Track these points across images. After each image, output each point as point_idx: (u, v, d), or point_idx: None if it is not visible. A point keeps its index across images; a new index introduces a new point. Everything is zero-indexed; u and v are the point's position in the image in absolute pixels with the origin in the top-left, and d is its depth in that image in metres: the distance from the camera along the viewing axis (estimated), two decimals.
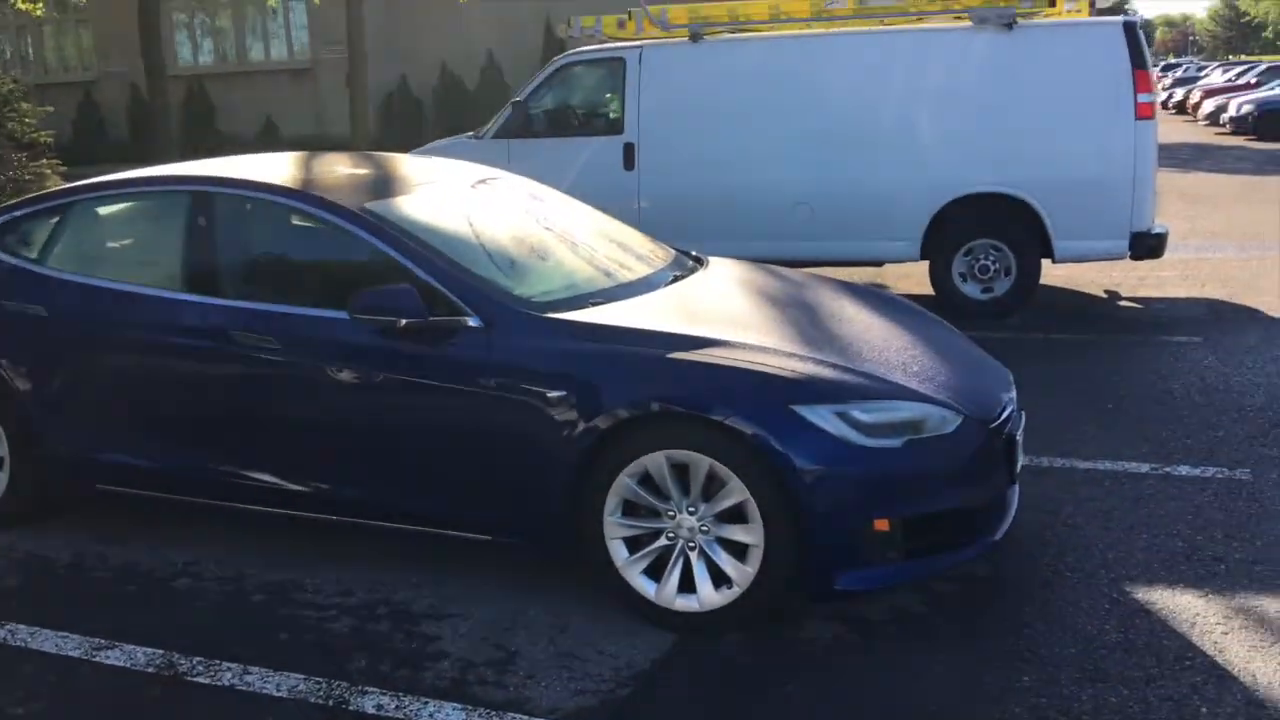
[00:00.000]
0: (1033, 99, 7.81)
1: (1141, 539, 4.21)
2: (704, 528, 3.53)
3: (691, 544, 3.56)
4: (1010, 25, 7.82)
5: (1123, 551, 4.11)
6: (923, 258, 8.25)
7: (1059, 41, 7.96)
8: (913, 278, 9.34)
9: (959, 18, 8.32)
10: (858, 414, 3.45)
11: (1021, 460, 3.94)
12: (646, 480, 3.56)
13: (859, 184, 8.18)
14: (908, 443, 3.48)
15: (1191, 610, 3.64)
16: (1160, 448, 5.21)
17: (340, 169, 4.90)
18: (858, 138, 8.18)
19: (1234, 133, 25.41)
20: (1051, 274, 8.38)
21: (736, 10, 8.75)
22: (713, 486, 3.50)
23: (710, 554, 3.54)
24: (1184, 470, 4.92)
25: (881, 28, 8.61)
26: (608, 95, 9.00)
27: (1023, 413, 4.06)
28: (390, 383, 3.83)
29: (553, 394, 3.60)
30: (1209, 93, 31.08)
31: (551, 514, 3.69)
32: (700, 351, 3.59)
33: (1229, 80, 34.50)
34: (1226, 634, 3.48)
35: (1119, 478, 4.85)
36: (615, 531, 3.62)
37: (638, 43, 8.83)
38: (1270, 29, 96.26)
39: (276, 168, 4.67)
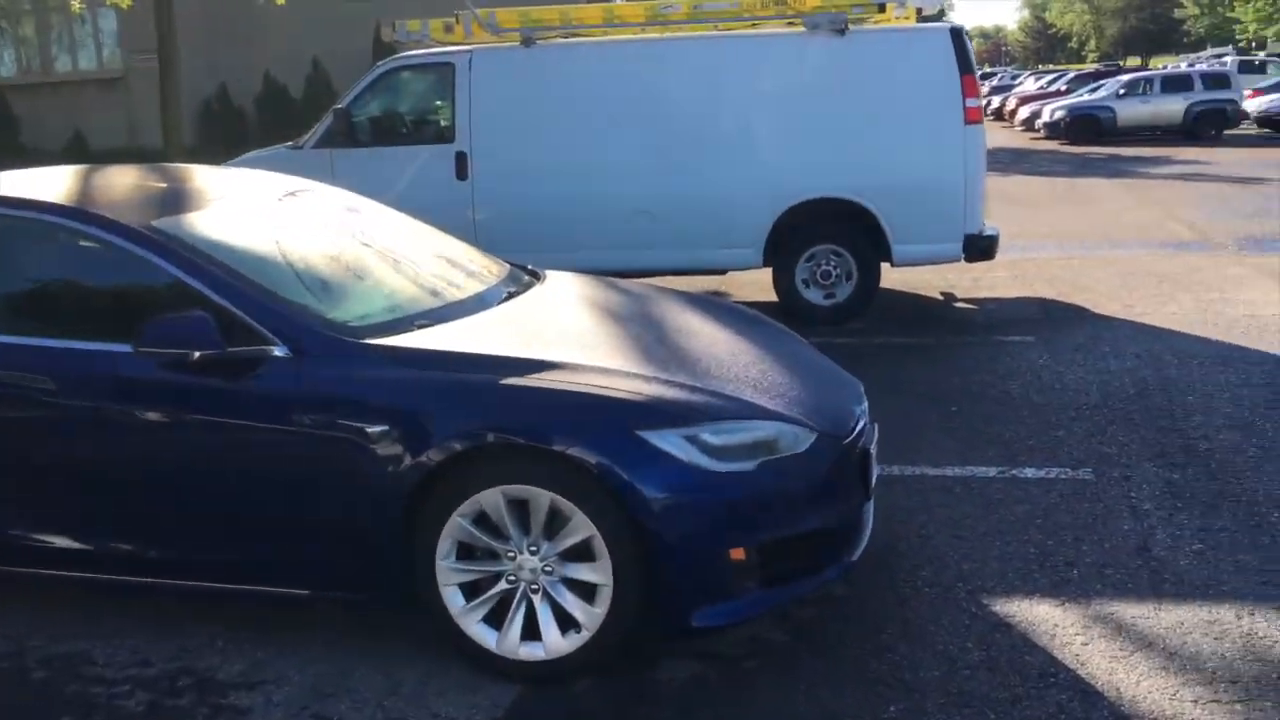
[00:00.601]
0: (867, 104, 7.83)
1: (995, 547, 4.14)
2: (547, 568, 3.24)
3: (534, 586, 3.26)
4: (843, 31, 7.81)
5: (977, 562, 4.02)
6: (765, 265, 8.17)
7: (890, 47, 8.02)
8: (756, 285, 9.28)
9: (793, 23, 8.29)
10: (708, 437, 3.22)
11: (875, 474, 3.79)
12: (482, 519, 3.24)
13: (699, 191, 8.03)
14: (761, 465, 3.27)
15: (1050, 621, 3.56)
16: (1005, 450, 5.20)
17: (129, 183, 4.39)
18: (696, 144, 8.04)
19: (1048, 137, 26.76)
20: (890, 277, 8.43)
21: (569, 14, 8.49)
22: (556, 523, 3.21)
23: (555, 596, 3.25)
24: (1030, 473, 4.90)
25: (716, 33, 8.50)
26: (437, 102, 8.60)
27: (875, 425, 3.92)
28: (186, 423, 3.39)
29: (374, 429, 3.24)
30: (1024, 100, 32.71)
31: (377, 562, 3.33)
32: (537, 376, 3.30)
33: (1041, 88, 36.44)
34: (1087, 645, 3.40)
35: (968, 483, 4.80)
36: (449, 577, 3.29)
37: (467, 47, 8.46)
38: (1074, 39, 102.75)
39: (54, 182, 4.14)
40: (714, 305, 4.73)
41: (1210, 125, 24.69)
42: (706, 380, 3.50)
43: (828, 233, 8.09)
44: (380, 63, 8.68)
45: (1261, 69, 34.49)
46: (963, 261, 8.09)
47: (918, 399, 6.07)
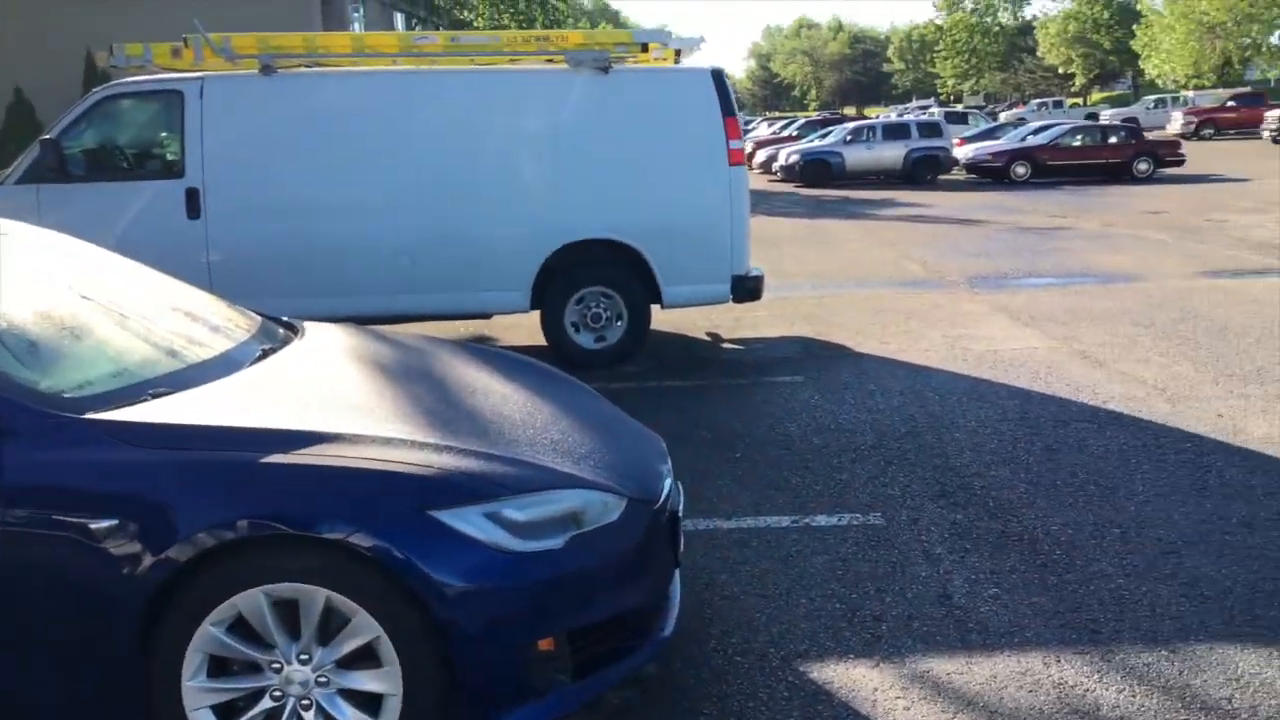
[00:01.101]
0: (632, 144, 7.70)
1: (801, 604, 3.97)
2: (322, 679, 2.74)
3: (306, 702, 2.75)
4: (606, 69, 7.65)
5: (786, 623, 3.82)
6: (533, 308, 7.86)
7: (653, 87, 7.94)
8: (522, 329, 8.94)
9: (554, 60, 8.06)
10: (511, 512, 2.84)
11: (683, 539, 3.52)
12: (241, 626, 2.71)
13: (463, 232, 7.63)
14: (571, 540, 2.91)
15: (869, 685, 3.39)
16: (795, 498, 5.10)
17: None
18: (458, 183, 7.63)
19: (784, 180, 28.07)
20: (656, 318, 8.31)
21: (314, 41, 7.90)
22: (332, 625, 2.73)
23: (332, 713, 2.75)
24: (822, 520, 4.80)
25: (476, 67, 8.14)
26: (164, 133, 7.75)
27: (679, 484, 3.66)
28: None
29: (101, 524, 2.64)
30: (760, 144, 34.24)
31: (108, 686, 2.72)
32: (304, 451, 2.80)
33: (774, 133, 38.35)
34: (910, 709, 3.25)
35: (764, 536, 4.63)
36: (199, 699, 2.72)
37: (198, 74, 7.67)
38: (798, 89, 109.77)
39: None
40: (499, 357, 4.34)
41: (927, 170, 26.70)
42: (503, 445, 3.12)
43: (597, 275, 7.88)
44: (96, 89, 7.73)
45: (964, 119, 37.85)
46: (731, 302, 8.09)
47: (701, 445, 5.90)
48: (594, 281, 7.87)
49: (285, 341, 3.78)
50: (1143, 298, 9.92)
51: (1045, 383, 7.02)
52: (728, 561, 4.36)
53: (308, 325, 4.08)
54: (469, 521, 2.76)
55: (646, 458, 3.55)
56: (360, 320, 7.65)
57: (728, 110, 7.74)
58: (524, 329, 8.91)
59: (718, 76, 7.79)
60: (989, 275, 11.72)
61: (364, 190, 7.57)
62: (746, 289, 7.99)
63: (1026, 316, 9.28)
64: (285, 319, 4.12)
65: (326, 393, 3.38)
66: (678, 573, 3.47)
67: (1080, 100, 71.01)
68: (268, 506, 2.72)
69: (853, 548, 4.48)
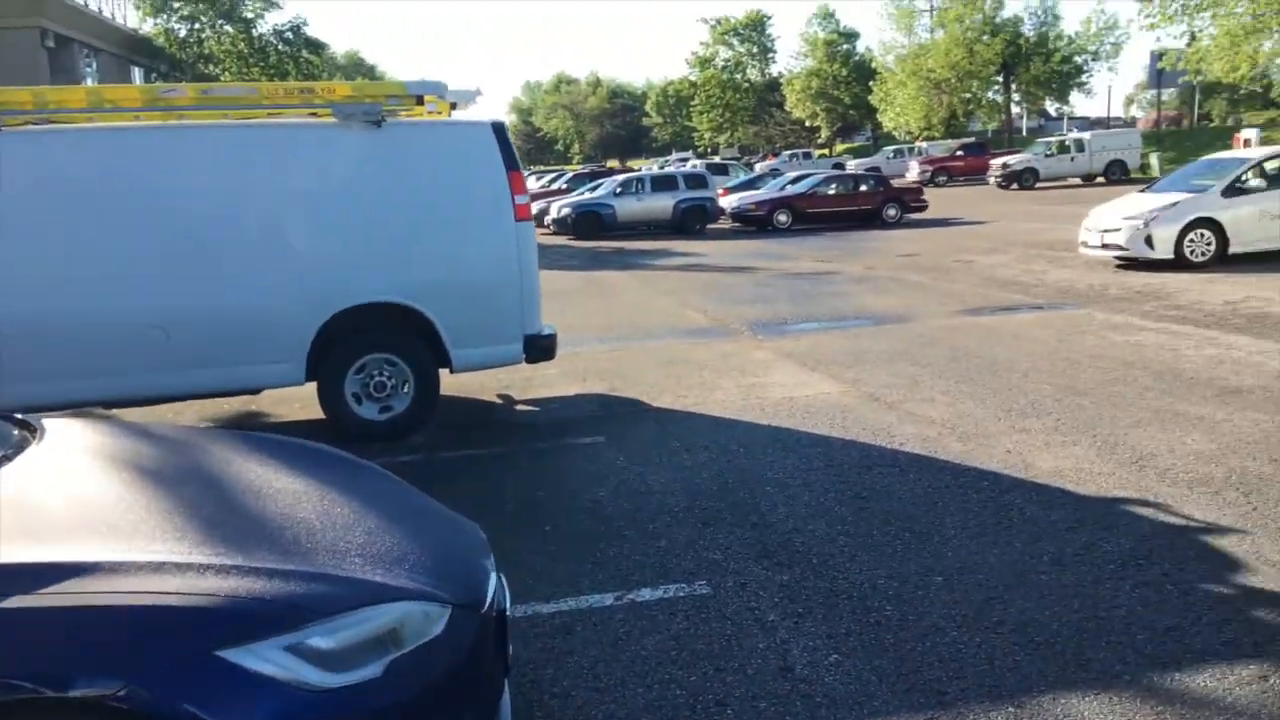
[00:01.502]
0: (413, 201, 7.28)
1: (639, 695, 3.66)
2: None
3: None
4: (379, 123, 7.22)
5: None
6: (310, 380, 7.25)
7: (432, 141, 7.54)
8: (296, 401, 8.27)
9: (319, 113, 7.55)
10: (317, 641, 2.40)
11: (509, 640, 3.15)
12: None
13: (224, 301, 6.95)
14: (390, 665, 2.49)
15: None
16: (615, 571, 4.80)
17: None
18: (218, 248, 6.96)
19: (557, 232, 28.08)
20: (444, 383, 7.86)
21: (45, 96, 7.04)
22: None
23: None
24: (647, 594, 4.53)
25: (235, 122, 7.50)
26: None
27: (503, 578, 3.28)
28: None
29: None
30: (533, 197, 34.18)
31: None
32: (53, 589, 2.27)
33: (544, 186, 38.44)
34: None
35: (589, 618, 4.30)
36: None
37: None
38: (560, 143, 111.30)
39: None
40: (281, 447, 3.81)
41: (695, 220, 27.41)
42: (299, 557, 2.66)
43: (379, 341, 7.38)
44: None
45: (725, 170, 39.32)
46: (524, 363, 7.76)
47: (508, 519, 5.51)
48: (376, 348, 7.36)
49: (20, 446, 3.16)
50: (915, 338, 10.32)
51: (843, 428, 7.08)
52: (554, 652, 4.00)
53: (48, 422, 3.45)
54: (266, 659, 2.30)
55: (466, 552, 3.16)
56: (115, 404, 6.82)
57: (511, 164, 7.46)
58: (297, 401, 8.26)
59: (499, 129, 7.51)
60: (770, 321, 11.94)
61: (109, 259, 6.77)
62: (540, 348, 7.69)
63: (813, 361, 9.44)
64: (18, 415, 3.48)
65: (76, 510, 2.81)
66: (507, 681, 3.10)
67: (827, 151, 75.49)
68: (9, 664, 2.16)
69: (684, 623, 4.22)
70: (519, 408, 8.47)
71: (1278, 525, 4.86)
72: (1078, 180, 40.59)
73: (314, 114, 7.60)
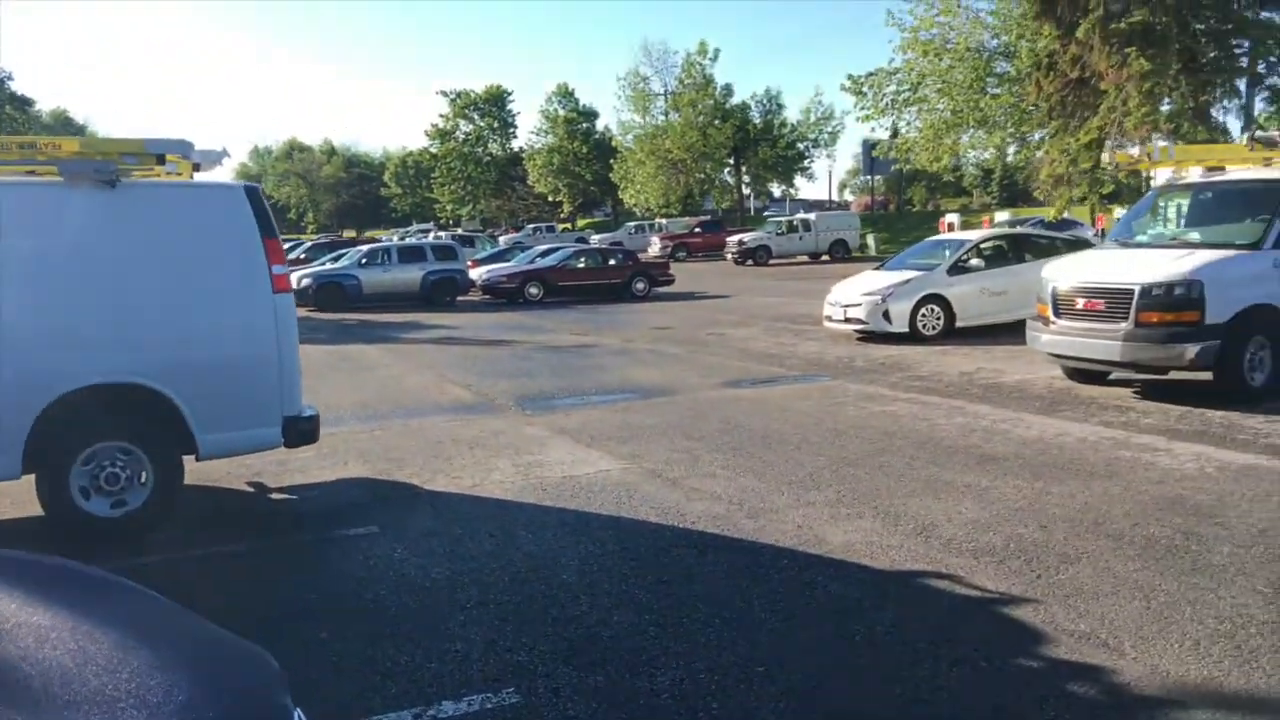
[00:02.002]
0: (153, 271, 6.51)
1: None
2: None
3: None
4: (112, 183, 6.42)
5: None
6: (28, 473, 6.26)
7: (176, 204, 6.80)
8: (6, 498, 7.16)
9: (38, 170, 6.66)
10: None
11: None
12: None
13: None
14: None
15: None
16: (411, 682, 4.29)
17: None
18: None
19: (299, 304, 26.65)
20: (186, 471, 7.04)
21: None
22: None
23: None
24: (450, 709, 4.05)
25: None
26: None
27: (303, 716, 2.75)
28: None
29: None
30: None
31: None
32: None
33: None
34: None
35: None
36: None
37: None
38: (293, 211, 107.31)
39: None
40: (9, 563, 3.08)
41: (445, 292, 26.86)
42: (54, 713, 2.07)
43: (111, 426, 6.48)
44: None
45: (471, 242, 39.02)
46: (283, 447, 7.06)
47: (274, 628, 4.86)
48: (108, 435, 6.46)
49: None
50: (685, 411, 10.33)
51: (631, 507, 6.85)
52: None
53: None
54: None
55: (260, 691, 2.62)
56: None
57: (268, 231, 6.84)
58: (8, 497, 7.14)
59: (253, 193, 6.88)
60: (537, 396, 11.65)
61: None
62: (301, 432, 7.02)
63: (588, 437, 9.21)
64: None
65: None
66: None
67: (569, 225, 76.89)
68: None
69: None
70: (274, 496, 7.71)
71: (1064, 593, 5.02)
72: (805, 257, 43.22)
73: (33, 172, 6.71)
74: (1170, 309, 9.28)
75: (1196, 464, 7.33)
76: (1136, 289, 9.46)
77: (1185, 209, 10.83)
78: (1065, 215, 36.31)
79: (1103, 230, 27.78)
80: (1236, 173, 10.53)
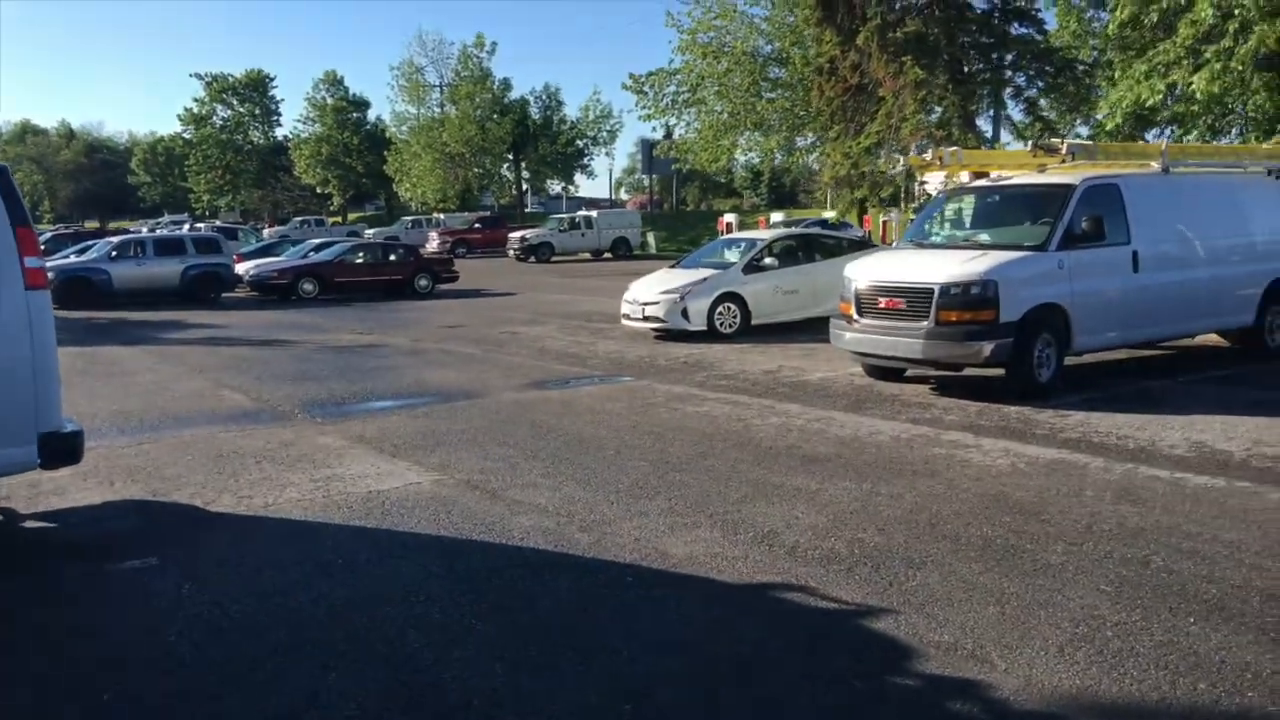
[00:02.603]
0: None
1: None
2: None
3: None
4: None
5: None
6: None
7: None
8: None
9: None
10: None
11: None
12: None
13: None
14: None
15: None
16: None
17: None
18: None
19: None
20: None
21: None
22: None
23: None
24: None
25: None
26: None
27: None
28: None
29: None
30: None
31: None
32: None
33: None
34: None
35: None
36: None
37: None
38: (27, 199, 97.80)
39: None
40: None
41: (208, 288, 24.90)
42: None
43: None
44: None
45: (234, 235, 36.57)
46: (40, 470, 6.07)
47: (42, 688, 4.05)
48: None
49: None
50: (491, 415, 9.81)
51: (452, 525, 6.30)
52: None
53: None
54: None
55: None
56: None
57: (18, 218, 5.85)
58: None
59: (3, 175, 5.86)
60: (326, 401, 10.79)
61: None
62: (61, 450, 6.04)
63: (391, 447, 8.53)
64: None
65: None
66: None
67: (340, 219, 73.90)
68: None
69: None
70: (28, 524, 6.65)
71: (919, 600, 4.90)
72: (588, 255, 43.19)
73: None
74: (967, 307, 9.57)
75: (1007, 459, 7.52)
76: (936, 288, 9.71)
77: (974, 212, 11.27)
78: (826, 215, 38.15)
79: (869, 232, 29.21)
80: (1021, 177, 11.04)
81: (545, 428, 9.14)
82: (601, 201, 78.13)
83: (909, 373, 11.00)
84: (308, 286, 25.02)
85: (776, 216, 40.67)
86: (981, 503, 6.44)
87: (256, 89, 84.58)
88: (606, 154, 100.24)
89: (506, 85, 61.83)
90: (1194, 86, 14.00)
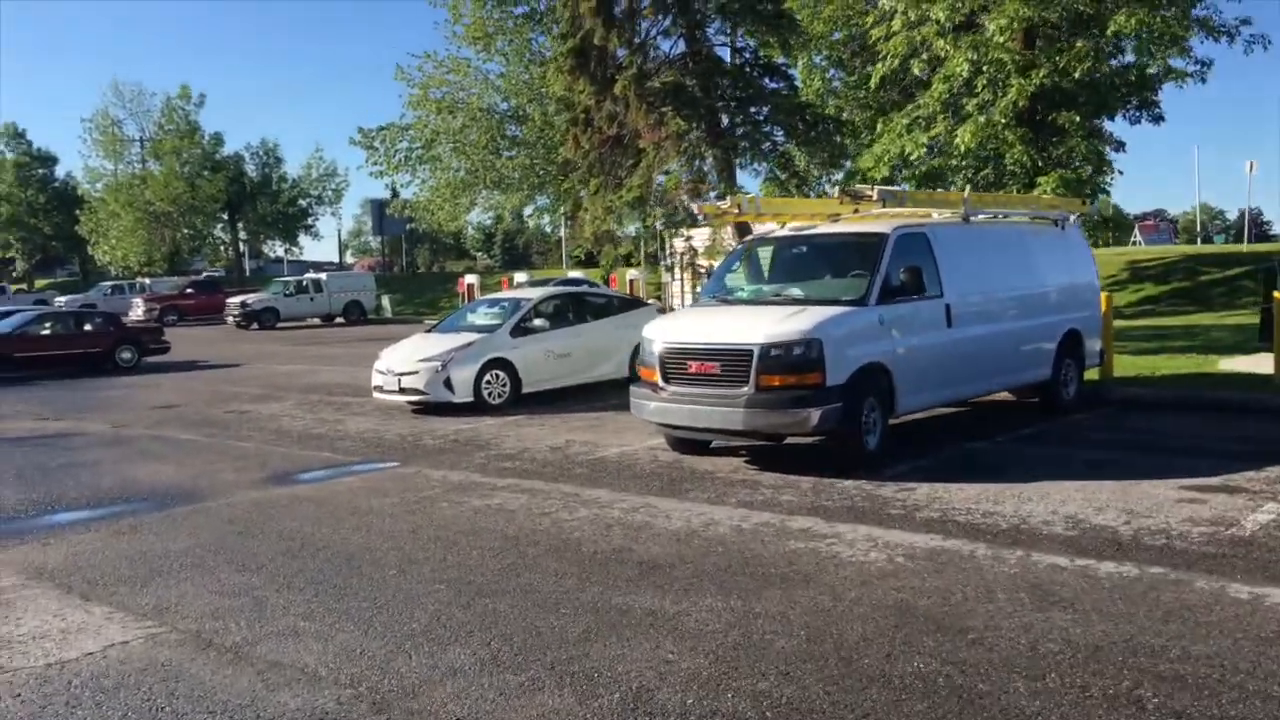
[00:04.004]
0: None
1: None
2: None
3: None
4: None
5: None
6: None
7: None
8: None
9: None
10: None
11: None
12: None
13: None
14: None
15: None
16: None
17: None
18: None
19: None
20: None
21: None
22: None
23: None
24: None
25: None
26: None
27: None
28: None
29: None
30: None
31: None
32: None
33: None
34: None
35: None
36: None
37: None
38: None
39: None
40: None
41: None
42: None
43: None
44: None
45: None
46: None
47: None
48: None
49: None
50: (224, 525, 7.68)
51: (175, 713, 4.30)
52: None
53: None
54: None
55: None
56: None
57: None
58: None
59: None
60: None
61: None
62: None
63: (83, 583, 6.28)
64: None
65: None
66: None
67: (25, 286, 65.96)
68: None
69: None
70: None
71: None
72: (318, 320, 40.05)
73: None
74: (791, 370, 8.45)
75: (882, 553, 6.32)
76: (755, 350, 8.53)
77: (778, 263, 10.28)
78: (572, 274, 37.24)
79: (616, 291, 28.32)
80: (825, 226, 10.16)
81: (299, 540, 7.15)
82: (327, 264, 74.10)
83: (715, 443, 9.77)
84: None
85: (520, 277, 39.24)
86: (887, 619, 5.15)
87: None
88: (332, 214, 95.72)
89: (218, 140, 57.21)
90: (958, 139, 13.99)
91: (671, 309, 19.22)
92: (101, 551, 7.07)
